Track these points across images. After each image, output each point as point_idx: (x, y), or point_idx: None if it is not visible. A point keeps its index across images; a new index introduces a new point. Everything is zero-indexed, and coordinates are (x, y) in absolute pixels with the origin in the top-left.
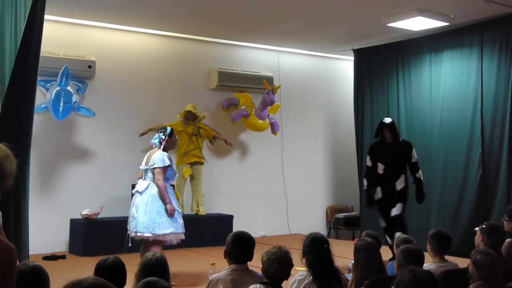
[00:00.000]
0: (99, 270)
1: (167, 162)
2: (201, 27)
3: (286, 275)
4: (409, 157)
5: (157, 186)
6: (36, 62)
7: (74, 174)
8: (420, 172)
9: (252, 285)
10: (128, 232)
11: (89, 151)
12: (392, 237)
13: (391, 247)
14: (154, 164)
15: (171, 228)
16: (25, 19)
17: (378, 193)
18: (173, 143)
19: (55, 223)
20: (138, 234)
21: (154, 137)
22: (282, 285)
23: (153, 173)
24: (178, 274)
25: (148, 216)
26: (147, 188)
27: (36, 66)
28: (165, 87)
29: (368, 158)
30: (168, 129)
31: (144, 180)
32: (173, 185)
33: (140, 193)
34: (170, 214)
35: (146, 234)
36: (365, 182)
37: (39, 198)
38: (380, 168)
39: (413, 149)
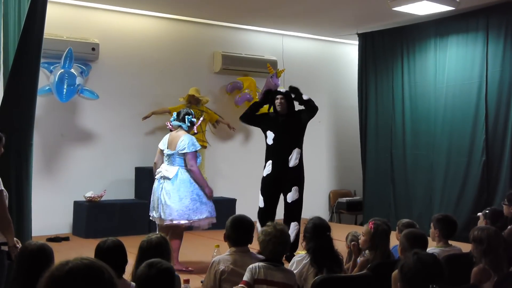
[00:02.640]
0: (99, 251)
1: (199, 146)
2: (205, 10)
3: (284, 252)
4: (303, 121)
5: (192, 171)
6: (40, 44)
7: (77, 157)
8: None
9: (252, 264)
10: (151, 218)
11: (93, 134)
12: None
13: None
14: (184, 149)
15: (206, 213)
16: (28, 1)
17: (268, 168)
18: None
19: (59, 205)
20: (174, 221)
21: (173, 119)
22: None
23: (181, 158)
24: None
25: (183, 203)
26: (177, 174)
27: (40, 48)
28: (169, 70)
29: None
30: (193, 112)
31: (170, 165)
32: None
33: (170, 179)
34: (210, 197)
35: (182, 221)
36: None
37: (43, 180)
38: (270, 137)
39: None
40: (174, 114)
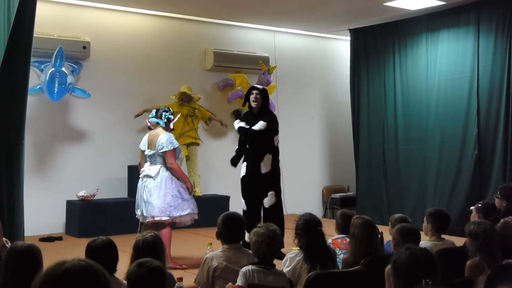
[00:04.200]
0: (89, 250)
1: (176, 144)
2: (196, 7)
3: (277, 253)
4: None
5: (171, 169)
6: (30, 43)
7: (70, 156)
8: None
9: (244, 267)
10: (137, 217)
11: (85, 132)
12: None
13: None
14: (163, 148)
15: (187, 209)
16: None
17: (243, 169)
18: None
19: (51, 204)
20: (155, 218)
21: (152, 116)
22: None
23: (162, 157)
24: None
25: (163, 199)
26: (159, 172)
27: (30, 47)
28: (161, 68)
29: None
30: (171, 109)
31: (152, 164)
32: None
33: (153, 178)
34: (191, 191)
35: (164, 218)
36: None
37: (35, 179)
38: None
39: (271, 122)
40: (153, 111)
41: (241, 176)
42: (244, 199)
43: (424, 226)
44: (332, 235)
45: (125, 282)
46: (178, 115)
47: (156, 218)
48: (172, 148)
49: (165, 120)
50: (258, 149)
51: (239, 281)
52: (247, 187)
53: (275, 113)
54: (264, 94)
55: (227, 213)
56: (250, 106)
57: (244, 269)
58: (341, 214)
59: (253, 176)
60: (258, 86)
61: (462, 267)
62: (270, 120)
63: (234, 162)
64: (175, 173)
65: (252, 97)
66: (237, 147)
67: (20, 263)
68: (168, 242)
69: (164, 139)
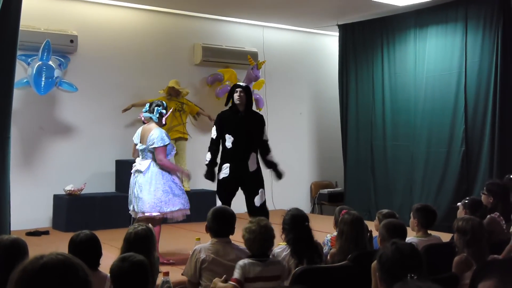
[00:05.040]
0: (72, 244)
1: (167, 141)
2: (185, 1)
3: (271, 246)
4: (261, 133)
5: (161, 165)
6: (15, 36)
7: (57, 150)
8: (272, 154)
9: (241, 260)
10: (130, 212)
11: (72, 127)
12: None
13: None
14: (153, 144)
15: (178, 205)
16: None
17: (225, 171)
18: (167, 118)
19: (38, 199)
20: (146, 214)
21: (145, 110)
22: None
23: (152, 152)
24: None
25: (154, 195)
26: (148, 167)
27: (16, 40)
28: (149, 63)
29: (213, 128)
30: (164, 103)
31: (143, 159)
32: None
33: (142, 173)
34: (188, 176)
35: (154, 213)
36: (208, 156)
37: (21, 174)
38: (229, 141)
39: (265, 125)
40: (147, 105)
41: (220, 178)
42: (221, 199)
43: (411, 222)
44: (319, 230)
45: (109, 275)
46: (171, 110)
47: (147, 214)
48: (162, 144)
49: (157, 115)
50: (245, 149)
51: (236, 274)
52: (229, 186)
53: (263, 108)
54: (248, 92)
55: (217, 207)
56: (234, 104)
57: (241, 262)
58: (340, 210)
59: (240, 174)
60: (241, 83)
61: (448, 262)
62: (264, 122)
63: (212, 176)
64: (165, 168)
65: (236, 96)
66: (207, 159)
67: (6, 257)
68: (157, 238)
69: (156, 135)
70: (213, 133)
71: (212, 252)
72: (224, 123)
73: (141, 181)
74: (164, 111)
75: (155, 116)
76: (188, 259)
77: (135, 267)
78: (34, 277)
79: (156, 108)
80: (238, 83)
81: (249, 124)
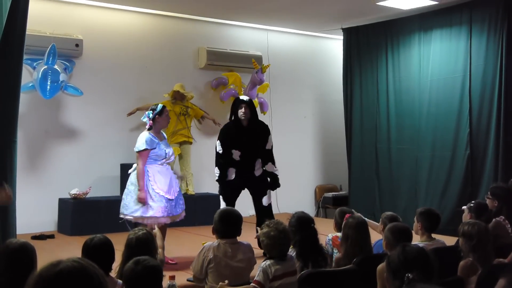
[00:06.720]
0: (86, 249)
1: (142, 147)
2: (190, 5)
3: (289, 247)
4: (264, 142)
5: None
6: (22, 41)
7: (62, 154)
8: (275, 167)
9: (263, 263)
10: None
11: (77, 131)
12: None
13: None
14: (136, 148)
15: (138, 211)
16: None
17: (231, 174)
18: (163, 121)
19: (43, 202)
20: (120, 215)
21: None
22: None
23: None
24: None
25: (124, 196)
26: (134, 169)
27: (22, 45)
28: (154, 66)
29: (218, 143)
30: (159, 106)
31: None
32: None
33: (130, 175)
34: (139, 201)
35: (121, 215)
36: (216, 170)
37: (27, 177)
38: (236, 155)
39: (270, 134)
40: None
41: (228, 179)
42: (225, 200)
43: (414, 225)
44: (324, 234)
45: (119, 281)
46: (159, 108)
47: (121, 215)
48: (137, 150)
49: (145, 119)
50: (252, 160)
51: (258, 277)
52: (235, 188)
53: (267, 112)
54: (251, 106)
55: (224, 208)
56: (237, 119)
57: (263, 264)
58: (340, 212)
59: (246, 179)
60: (244, 98)
61: (453, 267)
62: (269, 131)
63: (227, 191)
64: (136, 175)
65: (240, 112)
66: (216, 174)
67: (14, 261)
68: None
69: (139, 139)
70: (218, 148)
71: (221, 252)
72: (228, 138)
73: (127, 184)
74: (150, 115)
75: (143, 119)
76: (196, 255)
77: (149, 271)
78: (50, 283)
79: (147, 112)
80: (240, 97)
81: (254, 137)
